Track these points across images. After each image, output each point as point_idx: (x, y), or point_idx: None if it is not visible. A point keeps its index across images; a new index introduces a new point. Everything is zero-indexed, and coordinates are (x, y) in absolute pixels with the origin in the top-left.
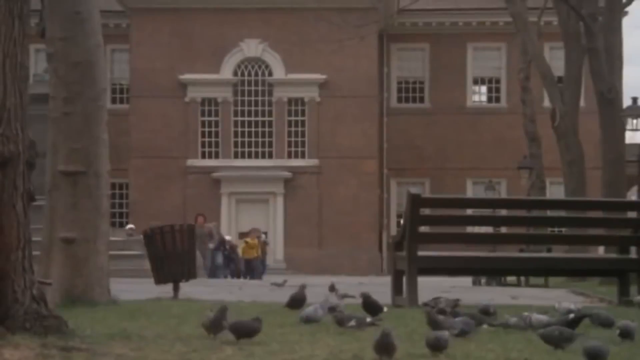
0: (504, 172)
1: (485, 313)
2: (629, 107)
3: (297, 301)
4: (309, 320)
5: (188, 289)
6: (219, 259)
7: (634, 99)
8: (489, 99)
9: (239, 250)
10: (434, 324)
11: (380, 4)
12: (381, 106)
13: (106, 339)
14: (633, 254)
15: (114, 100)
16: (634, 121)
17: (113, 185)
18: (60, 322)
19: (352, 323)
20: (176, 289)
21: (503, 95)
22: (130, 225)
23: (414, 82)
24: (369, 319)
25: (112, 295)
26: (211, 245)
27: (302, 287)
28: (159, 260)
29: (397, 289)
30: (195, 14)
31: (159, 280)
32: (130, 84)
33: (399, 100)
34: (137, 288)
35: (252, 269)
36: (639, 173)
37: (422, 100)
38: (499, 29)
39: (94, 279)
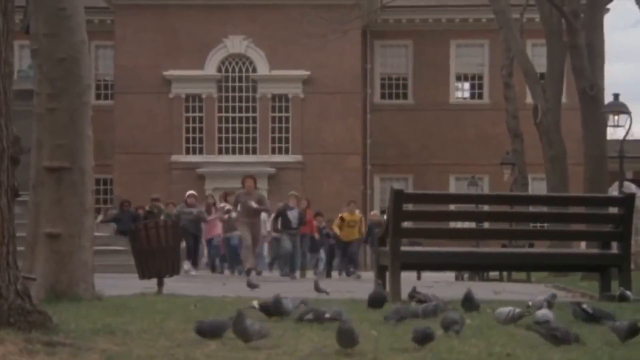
0: (486, 168)
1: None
2: (610, 104)
3: (377, 300)
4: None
5: (172, 284)
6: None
7: (616, 96)
8: (472, 96)
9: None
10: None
11: (364, 0)
12: (364, 102)
13: (91, 334)
14: (614, 249)
15: (98, 97)
16: (616, 117)
17: (97, 181)
18: (44, 318)
19: (310, 316)
20: (160, 284)
21: (486, 91)
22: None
23: (397, 79)
24: (327, 315)
25: (97, 290)
26: (265, 216)
27: (379, 284)
28: (143, 255)
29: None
30: (179, 10)
31: (144, 275)
32: (114, 80)
33: (383, 96)
34: (121, 283)
35: (351, 256)
36: (620, 169)
37: (405, 96)
38: (481, 25)
39: (78, 274)
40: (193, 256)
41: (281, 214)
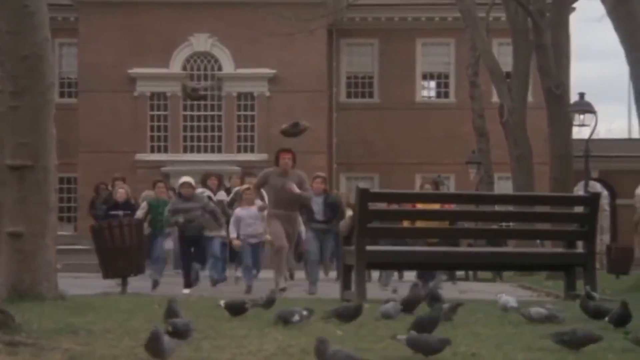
0: (452, 167)
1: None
2: (576, 103)
3: (410, 303)
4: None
5: (136, 283)
6: None
7: (581, 95)
8: (438, 94)
9: None
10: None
11: None
12: (330, 101)
13: (53, 334)
14: (580, 248)
15: (62, 95)
16: (581, 117)
17: (61, 180)
18: (6, 317)
19: (296, 318)
20: (124, 283)
21: (452, 90)
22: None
23: (363, 77)
24: (304, 312)
25: (60, 290)
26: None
27: (416, 285)
28: (107, 255)
29: (345, 283)
30: (144, 8)
31: (107, 275)
32: (78, 78)
33: (349, 95)
34: (85, 283)
35: None
36: (586, 168)
37: (371, 95)
38: (447, 24)
39: (41, 273)
40: (190, 271)
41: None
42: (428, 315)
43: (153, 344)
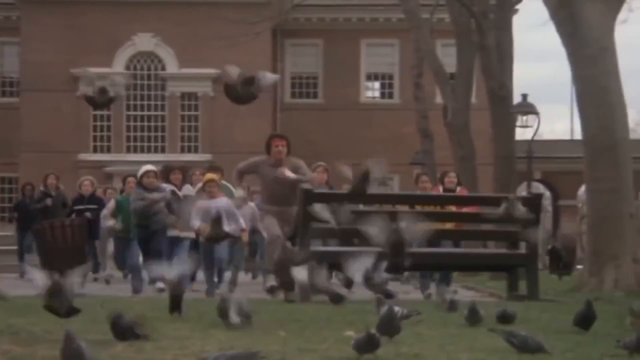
0: (396, 167)
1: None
2: (519, 104)
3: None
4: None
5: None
6: None
7: (524, 96)
8: (382, 95)
9: None
10: None
11: None
12: (275, 101)
13: None
14: (522, 249)
15: (4, 94)
16: (524, 118)
17: (2, 180)
18: None
19: (237, 320)
20: None
21: (396, 91)
22: None
23: (308, 78)
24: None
25: (1, 290)
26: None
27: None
28: (49, 255)
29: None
30: (87, 7)
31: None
32: (20, 77)
33: (293, 95)
34: (26, 284)
35: None
36: (528, 169)
37: (315, 95)
38: (392, 25)
39: None
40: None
41: None
42: (387, 315)
43: (69, 351)
